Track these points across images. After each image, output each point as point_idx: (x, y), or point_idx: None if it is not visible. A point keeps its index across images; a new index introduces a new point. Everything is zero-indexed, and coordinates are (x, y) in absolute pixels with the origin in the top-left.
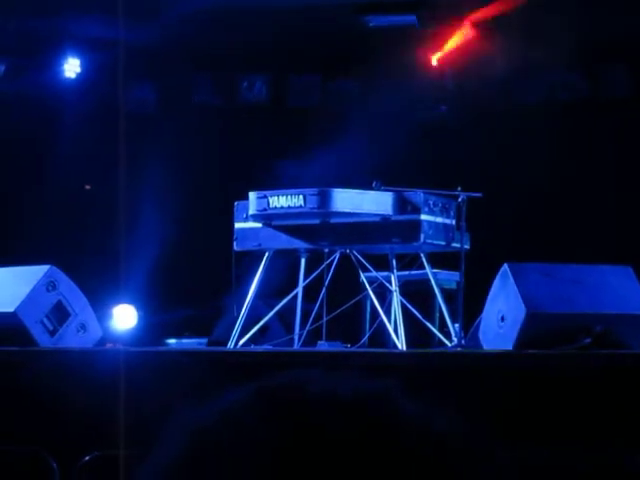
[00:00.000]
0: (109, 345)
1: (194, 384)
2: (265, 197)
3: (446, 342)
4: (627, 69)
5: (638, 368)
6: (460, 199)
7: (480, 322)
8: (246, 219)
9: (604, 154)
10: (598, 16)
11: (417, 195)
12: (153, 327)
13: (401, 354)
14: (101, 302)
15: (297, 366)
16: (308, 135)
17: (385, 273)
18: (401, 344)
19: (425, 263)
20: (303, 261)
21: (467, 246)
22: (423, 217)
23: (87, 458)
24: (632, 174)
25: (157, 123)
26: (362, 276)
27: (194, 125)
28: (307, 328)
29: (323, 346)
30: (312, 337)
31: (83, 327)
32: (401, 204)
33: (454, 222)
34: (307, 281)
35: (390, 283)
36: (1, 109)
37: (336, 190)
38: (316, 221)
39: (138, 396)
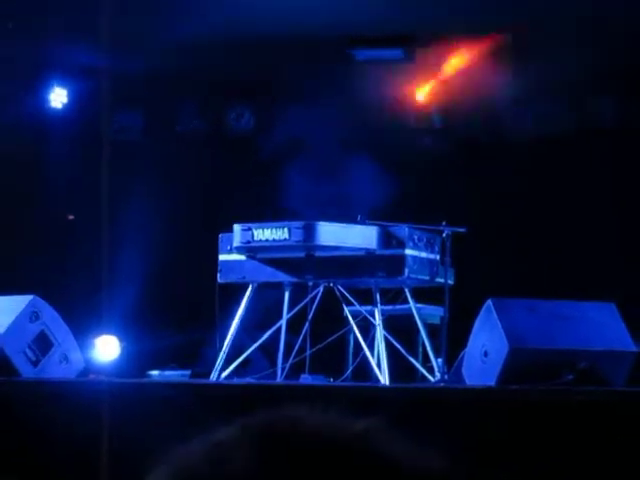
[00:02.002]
0: (92, 376)
1: (177, 416)
2: (249, 229)
3: (429, 377)
4: (615, 101)
5: (620, 405)
6: (445, 234)
7: (463, 357)
8: (230, 251)
9: (590, 188)
10: (586, 48)
11: (402, 229)
12: (136, 358)
13: (384, 389)
14: (84, 332)
15: (280, 399)
16: (293, 167)
17: (369, 307)
18: (384, 378)
19: (409, 297)
20: (287, 294)
21: (451, 281)
22: (408, 252)
23: None
24: (619, 208)
25: (144, 152)
26: (346, 310)
27: (180, 155)
28: (290, 361)
29: (306, 379)
30: (295, 370)
31: (66, 358)
32: (386, 238)
33: (438, 257)
34: (291, 314)
35: (374, 317)
36: None
37: (321, 223)
38: (301, 254)
39: (121, 427)
